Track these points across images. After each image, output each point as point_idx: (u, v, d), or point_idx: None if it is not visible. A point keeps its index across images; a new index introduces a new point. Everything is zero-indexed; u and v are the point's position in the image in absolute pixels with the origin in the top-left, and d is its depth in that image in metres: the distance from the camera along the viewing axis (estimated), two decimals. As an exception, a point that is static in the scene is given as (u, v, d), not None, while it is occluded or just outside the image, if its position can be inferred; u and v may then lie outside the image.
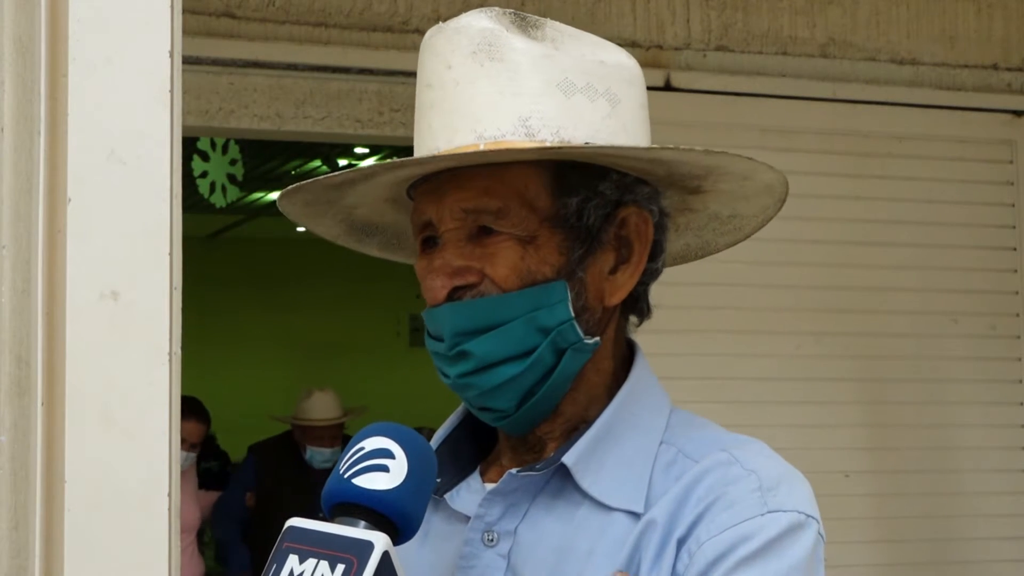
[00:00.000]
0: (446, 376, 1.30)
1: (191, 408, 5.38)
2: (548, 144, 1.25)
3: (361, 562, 1.06)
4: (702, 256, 1.47)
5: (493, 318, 1.26)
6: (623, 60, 1.33)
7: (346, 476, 1.13)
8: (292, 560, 1.08)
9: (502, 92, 1.26)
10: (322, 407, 5.86)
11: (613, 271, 1.31)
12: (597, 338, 1.30)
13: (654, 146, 1.30)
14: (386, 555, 1.07)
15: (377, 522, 1.11)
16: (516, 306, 1.26)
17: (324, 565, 1.07)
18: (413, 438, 1.17)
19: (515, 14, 1.31)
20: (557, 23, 1.33)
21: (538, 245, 1.27)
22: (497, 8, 1.31)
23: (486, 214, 1.27)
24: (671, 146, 1.28)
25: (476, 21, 1.29)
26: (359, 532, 1.09)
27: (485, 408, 1.31)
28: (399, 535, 1.12)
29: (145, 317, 1.32)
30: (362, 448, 1.15)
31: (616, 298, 1.31)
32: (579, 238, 1.29)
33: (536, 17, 1.33)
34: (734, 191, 1.36)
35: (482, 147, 1.25)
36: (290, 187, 1.36)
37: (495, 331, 1.26)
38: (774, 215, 1.41)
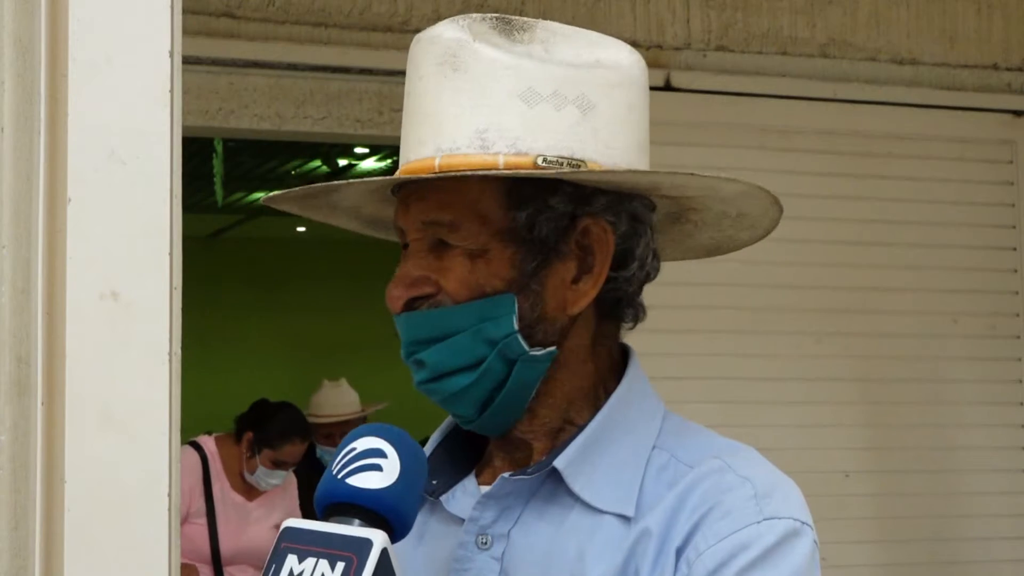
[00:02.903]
0: (414, 380, 1.32)
1: (301, 427, 4.76)
2: (500, 163, 1.25)
3: (361, 559, 1.06)
4: (732, 249, 1.46)
5: (443, 329, 1.27)
6: (621, 59, 1.32)
7: (339, 476, 1.13)
8: (291, 560, 1.08)
9: (463, 104, 1.27)
10: (330, 402, 5.59)
11: (576, 280, 1.31)
12: (551, 348, 1.29)
13: (598, 171, 1.28)
14: (385, 552, 1.08)
15: (371, 521, 1.11)
16: (464, 318, 1.27)
17: (324, 564, 1.07)
18: (404, 438, 1.17)
19: (498, 19, 1.30)
20: (552, 24, 1.32)
21: (488, 259, 1.27)
22: (476, 15, 1.30)
23: (441, 227, 1.28)
24: (623, 169, 1.28)
25: (446, 31, 1.29)
26: (357, 530, 1.09)
27: (452, 412, 1.34)
28: (393, 533, 1.13)
29: (145, 317, 1.32)
30: (354, 448, 1.15)
31: (578, 307, 1.31)
32: (532, 250, 1.28)
33: (526, 20, 1.32)
34: (719, 197, 1.35)
35: (438, 160, 1.27)
36: (266, 197, 1.38)
37: (445, 342, 1.27)
38: (779, 216, 1.39)
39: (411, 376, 1.31)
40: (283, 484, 4.80)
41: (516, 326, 1.27)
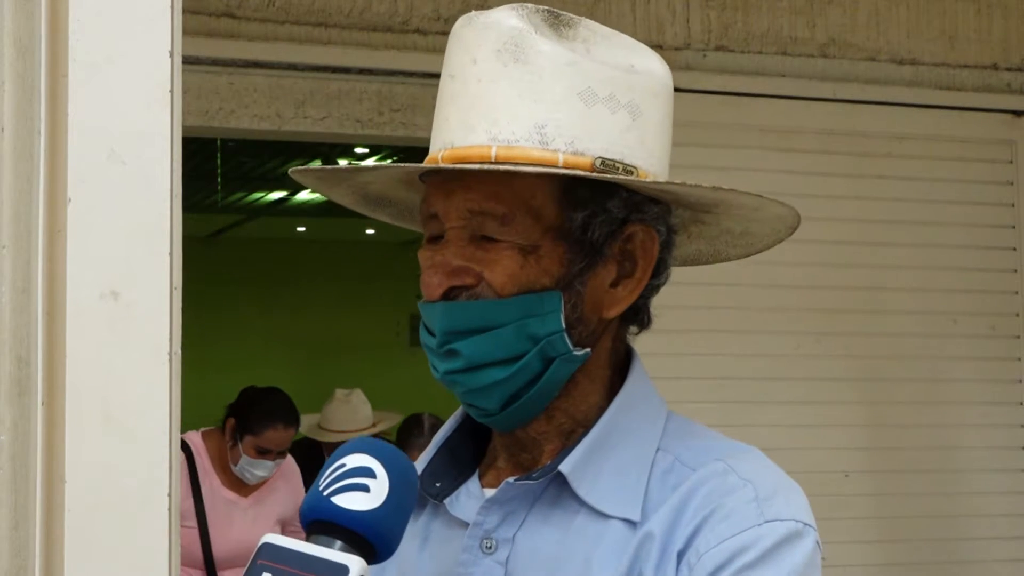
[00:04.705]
0: (436, 370, 1.30)
1: (285, 411, 4.39)
2: (560, 160, 1.24)
3: None
4: (713, 262, 1.47)
5: (485, 321, 1.26)
6: (654, 67, 1.32)
7: (326, 494, 1.11)
8: None
9: (521, 96, 1.25)
10: (339, 416, 5.32)
11: (614, 284, 1.31)
12: (587, 350, 1.29)
13: (660, 181, 1.29)
14: None
15: (354, 542, 1.10)
16: (509, 312, 1.26)
17: None
18: (395, 456, 1.15)
19: (548, 11, 1.29)
20: (592, 23, 1.32)
21: (540, 255, 1.26)
22: (530, 5, 1.29)
23: (491, 218, 1.26)
24: (678, 181, 1.28)
25: (506, 19, 1.27)
26: (335, 555, 1.07)
27: (471, 405, 1.32)
28: (376, 556, 1.11)
29: (145, 317, 1.32)
30: (343, 465, 1.13)
31: (614, 311, 1.31)
32: (582, 251, 1.28)
33: (571, 16, 1.31)
34: (746, 215, 1.36)
35: (494, 150, 1.25)
36: (299, 168, 1.36)
37: (485, 334, 1.26)
38: (786, 238, 1.41)
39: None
40: (283, 475, 4.48)
41: (563, 324, 1.27)
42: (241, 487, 4.39)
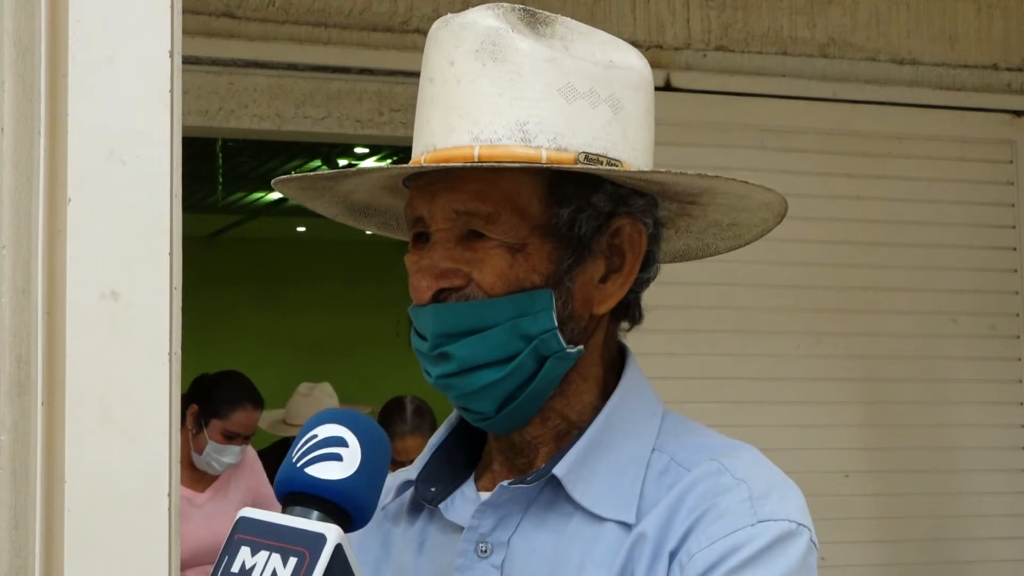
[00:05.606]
0: (428, 374, 1.30)
1: (251, 393, 4.24)
2: (543, 156, 1.24)
3: (313, 555, 1.05)
4: (701, 257, 1.47)
5: (476, 322, 1.25)
6: (633, 62, 1.32)
7: (299, 465, 1.11)
8: (244, 552, 1.06)
9: (502, 94, 1.25)
10: (302, 411, 5.23)
11: (603, 280, 1.30)
12: (580, 347, 1.29)
13: (645, 170, 1.29)
14: (339, 547, 1.06)
15: (331, 511, 1.10)
16: (500, 312, 1.25)
17: (276, 558, 1.05)
18: (366, 424, 1.15)
19: (524, 10, 1.29)
20: (568, 20, 1.32)
21: (528, 253, 1.26)
22: (506, 4, 1.29)
23: (477, 218, 1.26)
24: (663, 169, 1.27)
25: (482, 19, 1.27)
26: (311, 524, 1.07)
27: (466, 409, 1.31)
28: (352, 524, 1.11)
29: (145, 317, 1.32)
30: (315, 436, 1.13)
31: (605, 307, 1.31)
32: (570, 247, 1.28)
33: (547, 14, 1.31)
34: (732, 205, 1.36)
35: (477, 149, 1.25)
36: (283, 177, 1.35)
37: (478, 335, 1.25)
38: (774, 227, 1.40)
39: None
40: (242, 463, 4.25)
41: (555, 322, 1.26)
42: (196, 482, 4.19)
